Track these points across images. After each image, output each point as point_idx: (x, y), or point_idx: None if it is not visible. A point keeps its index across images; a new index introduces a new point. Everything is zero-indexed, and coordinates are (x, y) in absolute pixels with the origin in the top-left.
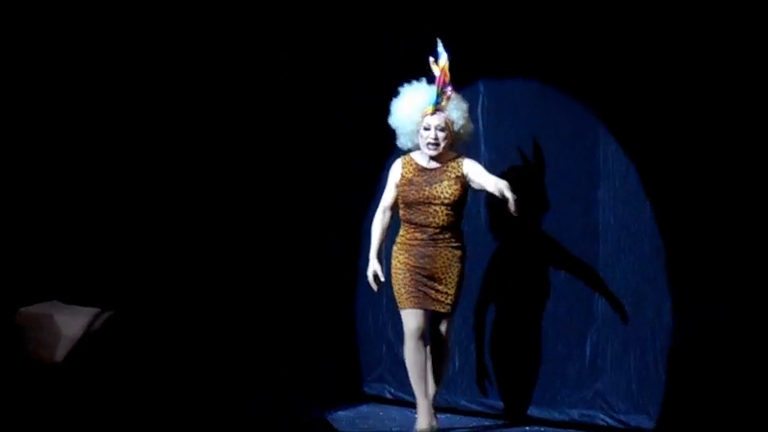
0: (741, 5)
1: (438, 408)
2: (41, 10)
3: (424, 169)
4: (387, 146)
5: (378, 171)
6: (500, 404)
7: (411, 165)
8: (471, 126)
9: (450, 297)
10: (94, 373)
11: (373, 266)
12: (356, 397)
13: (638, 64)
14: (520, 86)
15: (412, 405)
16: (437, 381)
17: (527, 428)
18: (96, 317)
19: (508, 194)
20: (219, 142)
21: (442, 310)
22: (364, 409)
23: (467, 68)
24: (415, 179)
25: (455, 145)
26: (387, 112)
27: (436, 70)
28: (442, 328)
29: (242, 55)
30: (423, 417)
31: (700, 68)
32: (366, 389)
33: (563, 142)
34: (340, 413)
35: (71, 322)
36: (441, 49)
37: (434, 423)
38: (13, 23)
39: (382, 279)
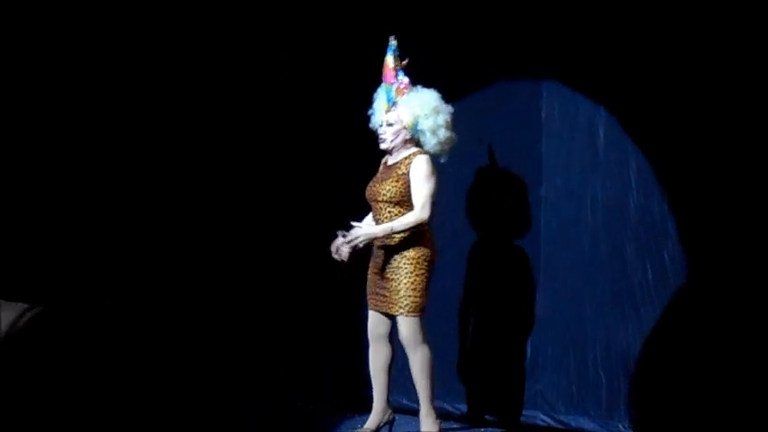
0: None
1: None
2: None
3: (385, 166)
4: None
5: (378, 171)
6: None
7: (383, 165)
8: (439, 122)
9: (401, 299)
10: (23, 369)
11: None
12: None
13: (586, 58)
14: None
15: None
16: (416, 386)
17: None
18: (22, 314)
19: (356, 238)
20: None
21: (395, 313)
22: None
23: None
24: (377, 177)
25: (434, 145)
26: None
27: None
28: (401, 331)
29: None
30: (372, 416)
31: (647, 61)
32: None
33: (505, 137)
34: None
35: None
36: (390, 44)
37: (379, 425)
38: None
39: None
